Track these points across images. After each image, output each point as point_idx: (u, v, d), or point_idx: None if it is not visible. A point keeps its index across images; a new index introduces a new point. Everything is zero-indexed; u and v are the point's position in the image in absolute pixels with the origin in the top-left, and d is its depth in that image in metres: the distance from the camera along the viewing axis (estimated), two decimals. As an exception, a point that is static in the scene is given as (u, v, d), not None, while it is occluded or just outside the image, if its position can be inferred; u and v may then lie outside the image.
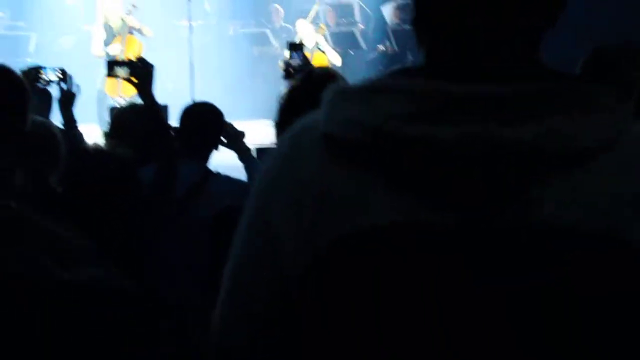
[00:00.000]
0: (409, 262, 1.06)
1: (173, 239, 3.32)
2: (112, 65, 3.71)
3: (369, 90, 1.11)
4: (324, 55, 10.55)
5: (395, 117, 1.06)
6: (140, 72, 3.51)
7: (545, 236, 1.04)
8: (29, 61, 12.83)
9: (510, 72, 1.09)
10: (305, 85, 2.71)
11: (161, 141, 3.40)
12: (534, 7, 1.10)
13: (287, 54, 4.61)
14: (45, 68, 4.00)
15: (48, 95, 4.65)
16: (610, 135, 1.06)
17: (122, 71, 3.61)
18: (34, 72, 3.98)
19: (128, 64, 3.62)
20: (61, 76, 4.03)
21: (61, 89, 3.99)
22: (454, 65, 1.12)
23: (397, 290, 1.07)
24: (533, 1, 1.10)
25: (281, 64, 10.26)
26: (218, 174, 3.69)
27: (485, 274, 1.05)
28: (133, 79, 3.52)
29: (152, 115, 3.47)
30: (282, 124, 2.68)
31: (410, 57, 12.62)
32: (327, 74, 2.66)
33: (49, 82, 4.00)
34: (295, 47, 4.69)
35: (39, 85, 3.94)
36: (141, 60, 3.57)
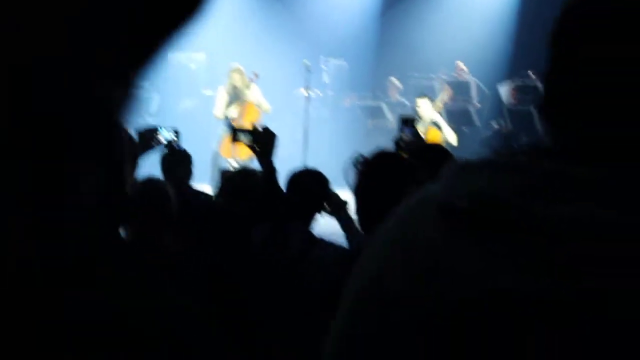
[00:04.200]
0: (523, 333, 1.05)
1: (279, 303, 3.34)
2: (237, 131, 3.80)
3: (488, 164, 1.13)
4: (439, 132, 10.55)
5: (510, 190, 1.07)
6: (263, 140, 3.60)
7: None
8: (150, 121, 13.26)
9: (632, 161, 1.10)
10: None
11: (273, 205, 3.46)
12: None
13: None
14: (160, 128, 4.08)
15: (188, 158, 4.77)
16: None
17: (245, 138, 3.70)
18: (149, 133, 4.07)
19: (252, 131, 3.70)
20: (176, 137, 4.10)
21: (172, 150, 4.05)
22: (578, 148, 1.14)
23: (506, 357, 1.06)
24: None
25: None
26: (322, 240, 3.71)
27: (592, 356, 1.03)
28: (255, 146, 3.62)
29: (269, 181, 3.54)
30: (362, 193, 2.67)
31: (524, 138, 12.53)
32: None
33: (167, 142, 4.07)
34: (407, 122, 4.71)
35: (154, 144, 4.01)
36: (265, 129, 3.65)
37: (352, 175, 2.65)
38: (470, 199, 1.11)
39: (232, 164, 10.58)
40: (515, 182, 1.08)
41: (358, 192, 2.62)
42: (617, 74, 1.12)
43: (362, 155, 2.63)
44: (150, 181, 3.39)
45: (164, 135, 4.05)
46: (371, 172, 2.59)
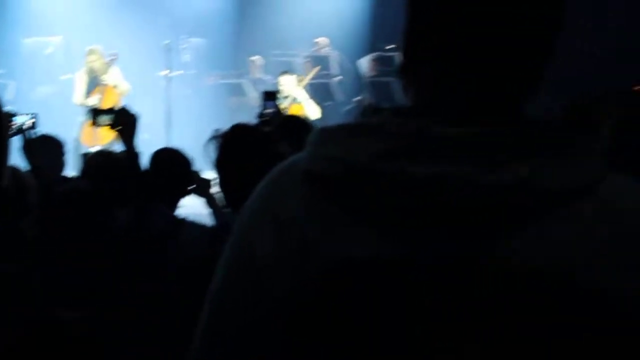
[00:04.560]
0: (382, 296, 1.08)
1: (145, 285, 3.30)
2: (96, 113, 3.70)
3: (351, 129, 1.13)
4: (301, 106, 10.58)
5: (372, 153, 1.08)
6: (124, 120, 3.54)
7: (514, 278, 1.04)
8: (8, 108, 12.74)
9: (490, 117, 1.11)
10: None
11: (136, 186, 3.41)
12: (521, 60, 1.12)
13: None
14: (15, 115, 3.92)
15: (56, 146, 4.60)
16: (587, 182, 1.07)
17: (106, 119, 3.60)
18: (4, 119, 3.87)
19: (112, 112, 3.62)
20: (32, 124, 3.93)
21: (27, 136, 3.88)
22: (436, 107, 1.14)
23: (371, 320, 1.08)
24: (519, 55, 1.12)
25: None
26: (187, 221, 3.68)
27: (451, 311, 1.06)
28: (116, 127, 3.55)
29: (132, 162, 3.49)
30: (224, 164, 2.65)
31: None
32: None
33: (21, 129, 3.90)
34: (269, 96, 4.74)
35: (10, 132, 3.83)
36: (125, 109, 3.59)
37: (212, 151, 2.63)
38: (331, 166, 1.11)
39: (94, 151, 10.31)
40: (376, 145, 1.08)
41: (219, 166, 2.60)
42: (478, 32, 1.11)
43: (219, 130, 2.61)
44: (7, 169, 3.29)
45: (18, 122, 3.89)
46: (229, 145, 2.58)
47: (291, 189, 1.17)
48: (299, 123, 3.74)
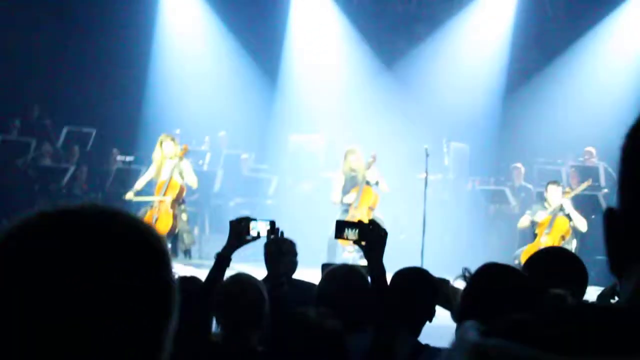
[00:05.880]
0: None
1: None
2: (342, 226, 3.61)
3: None
4: (566, 219, 10.17)
5: None
6: (370, 236, 3.32)
7: None
8: (269, 203, 13.21)
9: None
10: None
11: (377, 309, 3.15)
12: None
13: None
14: (255, 220, 3.84)
15: (290, 250, 4.48)
16: None
17: (351, 233, 3.48)
18: (244, 224, 3.81)
19: (358, 225, 3.45)
20: (270, 228, 3.80)
21: (269, 242, 3.75)
22: None
23: None
24: None
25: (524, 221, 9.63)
26: (429, 347, 3.32)
27: None
28: (361, 241, 3.36)
29: (376, 282, 3.25)
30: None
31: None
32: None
33: (258, 235, 3.79)
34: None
35: (248, 237, 3.75)
36: (373, 223, 3.40)
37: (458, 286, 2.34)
38: None
39: (348, 250, 10.32)
40: None
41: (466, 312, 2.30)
42: None
43: (468, 269, 2.31)
44: (240, 279, 3.17)
45: (257, 228, 3.78)
46: (478, 286, 2.27)
47: None
48: (564, 257, 3.28)
